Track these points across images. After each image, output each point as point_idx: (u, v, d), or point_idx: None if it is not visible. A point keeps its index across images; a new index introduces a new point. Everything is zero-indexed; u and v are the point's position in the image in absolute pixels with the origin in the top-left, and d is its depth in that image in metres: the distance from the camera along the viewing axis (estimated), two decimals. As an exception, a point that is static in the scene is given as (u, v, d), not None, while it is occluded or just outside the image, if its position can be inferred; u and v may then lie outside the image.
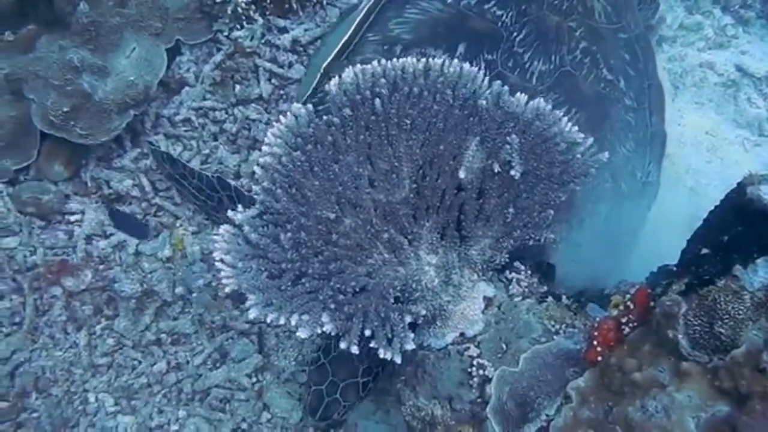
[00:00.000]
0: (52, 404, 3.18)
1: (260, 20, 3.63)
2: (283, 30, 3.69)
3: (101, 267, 3.34)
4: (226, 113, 3.62)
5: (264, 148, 2.19)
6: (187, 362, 3.31)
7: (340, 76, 2.25)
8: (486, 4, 2.91)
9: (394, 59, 2.28)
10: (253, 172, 2.20)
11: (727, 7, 4.08)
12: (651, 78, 3.18)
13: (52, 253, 3.37)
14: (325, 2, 3.82)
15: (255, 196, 2.16)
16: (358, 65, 2.26)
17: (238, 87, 3.60)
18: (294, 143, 2.20)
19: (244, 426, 3.20)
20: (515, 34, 2.86)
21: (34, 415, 3.16)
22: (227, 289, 2.01)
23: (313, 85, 2.86)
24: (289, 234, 2.11)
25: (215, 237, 2.09)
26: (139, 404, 3.25)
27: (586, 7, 3.01)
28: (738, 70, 3.90)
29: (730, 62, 3.91)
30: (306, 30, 3.70)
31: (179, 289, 3.33)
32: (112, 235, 3.40)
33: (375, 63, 2.26)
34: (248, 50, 3.60)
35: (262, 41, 3.65)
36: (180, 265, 3.37)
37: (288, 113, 2.21)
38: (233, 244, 2.08)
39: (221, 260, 2.04)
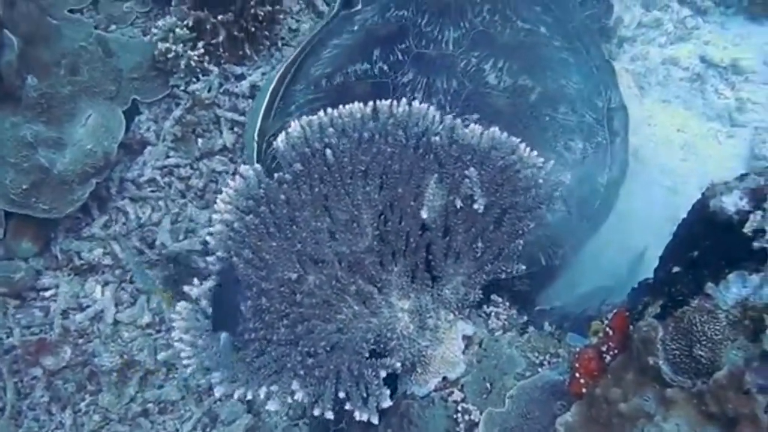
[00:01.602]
0: (44, 490, 3.12)
1: (215, 70, 3.60)
2: (240, 77, 3.65)
3: (80, 341, 3.28)
4: (192, 168, 3.58)
5: (214, 216, 2.13)
6: (177, 430, 3.24)
7: (287, 132, 2.20)
8: (386, 13, 3.08)
9: (341, 107, 2.23)
10: (206, 242, 2.15)
11: (684, -1, 4.06)
12: (573, 21, 3.26)
13: (29, 332, 3.31)
14: (280, 43, 3.79)
15: (210, 267, 2.11)
16: (304, 117, 2.21)
17: (200, 140, 3.56)
18: (245, 206, 2.14)
19: (241, 490, 3.14)
20: (419, 20, 2.97)
21: (27, 503, 3.10)
22: (188, 370, 1.95)
23: (254, 157, 2.94)
24: (249, 302, 2.05)
25: (172, 315, 2.03)
26: (132, 481, 3.19)
27: None
28: (702, 61, 3.85)
29: (694, 54, 3.86)
30: (263, 74, 3.66)
31: (162, 355, 3.26)
32: (88, 306, 3.34)
33: (321, 113, 2.21)
34: (207, 102, 3.56)
35: (220, 91, 3.62)
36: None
37: (236, 176, 2.16)
38: (192, 320, 2.03)
39: (180, 339, 1.99)
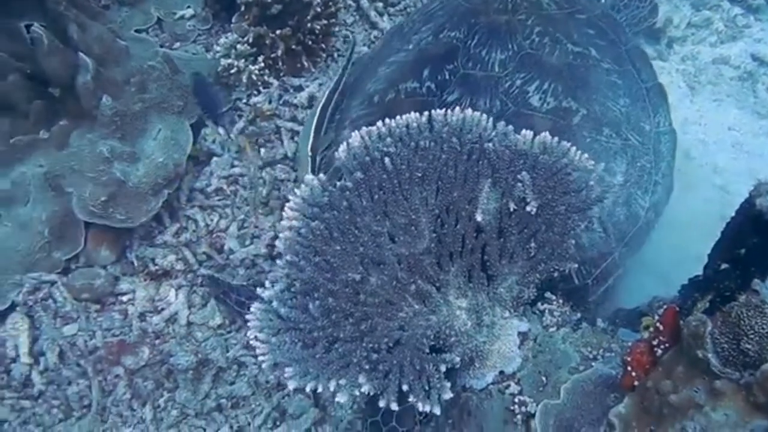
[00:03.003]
0: (129, 480, 3.31)
1: (275, 83, 3.77)
2: (299, 88, 3.82)
3: (157, 342, 3.46)
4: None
5: (283, 222, 2.28)
6: (249, 424, 3.38)
7: (348, 142, 2.34)
8: (440, 34, 3.22)
9: (397, 117, 2.36)
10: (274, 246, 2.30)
11: (735, -2, 4.07)
12: (626, 44, 3.31)
13: (110, 334, 3.50)
14: (336, 54, 3.94)
15: (280, 271, 2.26)
16: (363, 128, 2.35)
17: (263, 150, 3.72)
18: (311, 213, 2.29)
19: (309, 480, 3.29)
20: (469, 41, 3.09)
21: (114, 492, 3.29)
22: (264, 365, 2.10)
23: (308, 170, 3.17)
24: (317, 302, 2.19)
25: (248, 316, 2.19)
26: (209, 470, 3.36)
27: (531, 2, 3.23)
28: (754, 59, 3.86)
29: (746, 53, 3.88)
30: (320, 84, 3.82)
31: (231, 352, 3.44)
32: (163, 309, 3.53)
33: (379, 124, 2.35)
34: (268, 113, 3.73)
35: (280, 102, 3.78)
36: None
37: (302, 185, 2.31)
38: (265, 320, 2.18)
39: (255, 338, 2.14)
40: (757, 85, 3.76)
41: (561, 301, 2.56)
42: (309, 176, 2.31)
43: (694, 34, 4.01)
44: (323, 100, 3.35)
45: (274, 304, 2.20)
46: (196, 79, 3.72)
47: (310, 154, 3.25)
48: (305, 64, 3.82)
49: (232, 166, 3.74)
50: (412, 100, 2.99)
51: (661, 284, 3.15)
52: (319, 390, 2.06)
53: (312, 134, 3.27)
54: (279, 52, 3.72)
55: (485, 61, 3.02)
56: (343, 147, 2.33)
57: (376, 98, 3.14)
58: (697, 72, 3.86)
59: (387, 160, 2.31)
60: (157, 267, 3.58)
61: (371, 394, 2.08)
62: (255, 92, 3.76)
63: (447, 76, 3.02)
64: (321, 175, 2.34)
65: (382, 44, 3.65)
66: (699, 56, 3.90)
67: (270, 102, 3.74)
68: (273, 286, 2.25)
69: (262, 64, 3.70)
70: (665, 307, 2.11)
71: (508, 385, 2.36)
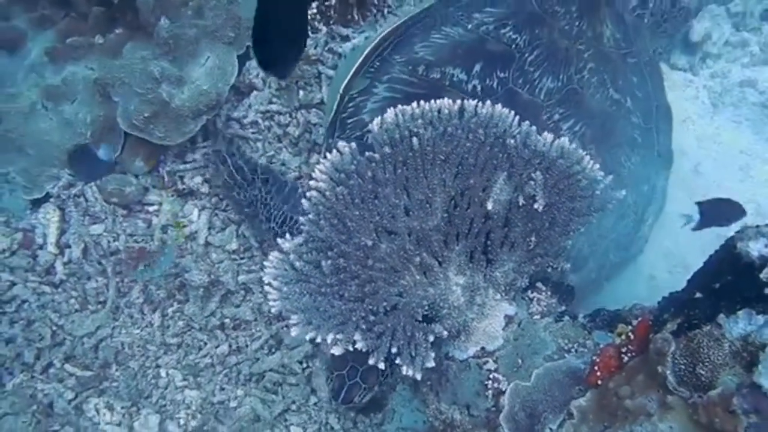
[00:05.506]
0: (129, 376, 3.56)
1: (324, 29, 3.88)
2: (345, 38, 3.93)
3: (174, 255, 3.70)
4: (290, 117, 3.89)
5: (311, 183, 2.47)
6: (246, 346, 3.64)
7: (382, 117, 2.51)
8: (502, 29, 3.22)
9: (432, 101, 2.53)
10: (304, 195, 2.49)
11: (776, 24, 4.13)
12: (659, 99, 3.42)
13: (132, 239, 3.74)
14: (385, 11, 4.04)
15: (302, 227, 2.46)
16: (399, 106, 2.52)
17: (301, 92, 3.86)
18: (338, 178, 2.47)
19: (294, 408, 3.52)
20: (527, 55, 3.15)
21: (114, 384, 3.55)
22: (273, 310, 2.33)
23: (334, 107, 3.21)
24: (329, 261, 2.40)
25: (265, 263, 2.41)
26: (203, 381, 3.59)
27: (595, 32, 3.29)
28: (780, 87, 3.95)
29: (774, 79, 3.97)
30: (366, 38, 3.93)
31: (242, 278, 3.69)
32: (185, 226, 3.76)
33: (414, 105, 2.51)
34: (312, 58, 3.85)
35: (326, 49, 3.90)
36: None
37: (333, 150, 2.49)
38: (281, 269, 2.39)
39: (269, 284, 2.36)
40: (776, 114, 3.87)
41: (549, 292, 2.76)
42: (342, 143, 2.49)
43: (729, 53, 4.08)
44: (376, 41, 3.28)
45: (291, 256, 2.42)
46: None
47: (341, 92, 3.25)
48: (355, 16, 3.92)
49: (270, 102, 3.88)
50: (454, 93, 3.04)
51: (650, 287, 3.36)
52: (318, 340, 2.28)
53: (351, 74, 3.25)
54: (333, 1, 3.83)
55: (534, 85, 3.09)
56: (377, 121, 2.50)
57: (420, 69, 3.16)
58: (723, 91, 3.94)
59: (415, 140, 2.48)
60: (184, 186, 3.78)
61: (364, 350, 2.31)
62: (303, 35, 3.87)
63: (495, 84, 3.08)
64: (353, 144, 2.51)
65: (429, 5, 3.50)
66: (729, 75, 3.99)
67: (316, 47, 3.86)
68: (293, 239, 2.46)
69: (315, 10, 3.82)
70: (640, 318, 2.32)
71: (487, 362, 2.59)
